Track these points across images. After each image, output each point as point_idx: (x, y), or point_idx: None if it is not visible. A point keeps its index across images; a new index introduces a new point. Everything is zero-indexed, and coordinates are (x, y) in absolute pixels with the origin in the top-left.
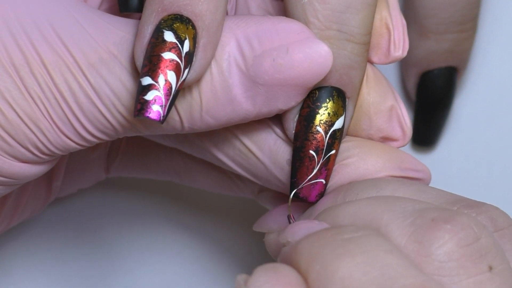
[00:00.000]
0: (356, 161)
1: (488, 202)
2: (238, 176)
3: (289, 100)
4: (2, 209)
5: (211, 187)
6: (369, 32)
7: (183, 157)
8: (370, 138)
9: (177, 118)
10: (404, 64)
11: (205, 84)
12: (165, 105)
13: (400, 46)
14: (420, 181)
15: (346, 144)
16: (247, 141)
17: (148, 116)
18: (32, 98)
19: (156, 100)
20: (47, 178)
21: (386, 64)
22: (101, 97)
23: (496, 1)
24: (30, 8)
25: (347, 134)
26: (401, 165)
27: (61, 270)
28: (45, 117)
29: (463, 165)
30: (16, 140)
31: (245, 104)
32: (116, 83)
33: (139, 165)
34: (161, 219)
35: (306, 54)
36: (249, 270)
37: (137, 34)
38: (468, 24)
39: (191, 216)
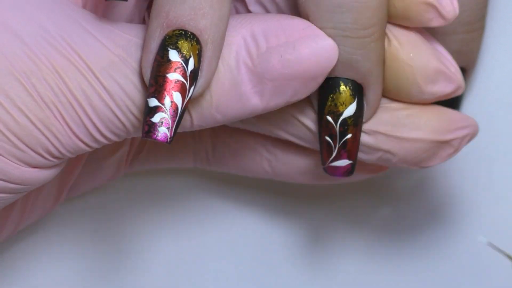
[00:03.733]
0: (408, 131)
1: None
2: (270, 152)
3: (295, 94)
4: (11, 213)
5: (240, 169)
6: (370, 25)
7: (212, 139)
8: (424, 102)
9: (187, 117)
10: None
11: (215, 82)
12: (172, 127)
13: (449, 7)
14: (468, 136)
15: (397, 113)
16: (304, 119)
17: (155, 138)
18: (45, 103)
19: (163, 122)
20: (59, 182)
21: (446, 24)
22: (115, 99)
23: (503, 1)
24: (36, 17)
25: (399, 101)
26: (449, 127)
27: (61, 270)
28: (58, 121)
29: (473, 165)
30: (28, 145)
31: (253, 100)
32: (129, 85)
33: (165, 154)
34: (161, 219)
35: (312, 49)
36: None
37: (143, 48)
38: (475, 24)
39: (191, 216)
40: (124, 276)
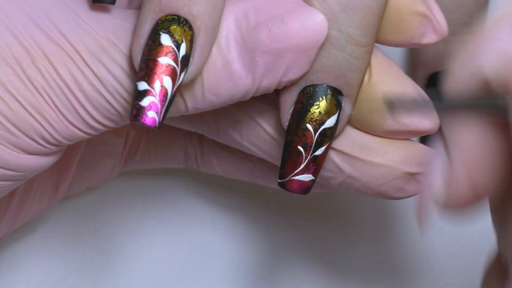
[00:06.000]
0: (374, 155)
1: None
2: (258, 160)
3: (287, 71)
4: (7, 210)
5: (230, 172)
6: (369, 34)
7: (202, 143)
8: (396, 133)
9: (180, 99)
10: (412, 66)
11: (206, 63)
12: (161, 111)
13: (443, 23)
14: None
15: (367, 137)
16: (270, 129)
17: (144, 122)
18: (36, 89)
19: (152, 107)
20: (54, 179)
21: (437, 42)
22: (105, 84)
23: (504, 3)
24: (26, 2)
25: (367, 132)
26: (417, 159)
27: (60, 270)
28: (50, 107)
29: None
30: (22, 130)
31: (245, 79)
32: (118, 70)
33: (159, 155)
34: (161, 219)
35: (301, 22)
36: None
37: (134, 32)
38: (475, 25)
39: (191, 216)
40: (123, 276)
